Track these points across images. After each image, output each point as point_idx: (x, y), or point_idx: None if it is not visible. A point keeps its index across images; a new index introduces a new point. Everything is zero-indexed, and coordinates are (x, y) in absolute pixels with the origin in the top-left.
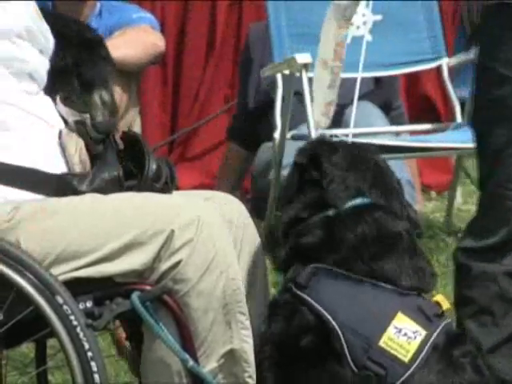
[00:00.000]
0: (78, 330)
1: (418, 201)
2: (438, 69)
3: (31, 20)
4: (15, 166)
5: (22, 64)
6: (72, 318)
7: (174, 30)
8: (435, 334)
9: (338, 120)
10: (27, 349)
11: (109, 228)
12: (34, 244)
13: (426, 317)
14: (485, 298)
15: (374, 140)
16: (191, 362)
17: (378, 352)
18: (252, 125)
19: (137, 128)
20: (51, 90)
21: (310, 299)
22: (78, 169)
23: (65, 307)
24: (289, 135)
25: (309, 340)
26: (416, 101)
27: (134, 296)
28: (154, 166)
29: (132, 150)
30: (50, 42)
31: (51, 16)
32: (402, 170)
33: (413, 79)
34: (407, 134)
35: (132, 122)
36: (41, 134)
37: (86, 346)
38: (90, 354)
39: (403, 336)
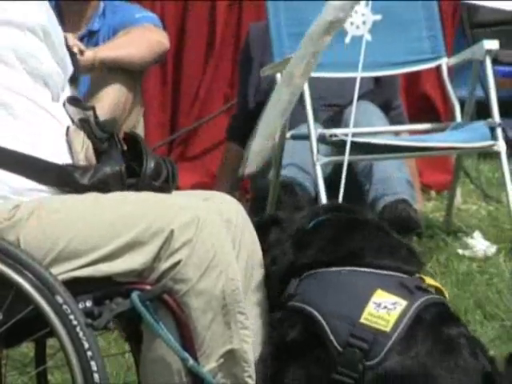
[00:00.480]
0: (78, 329)
1: (417, 200)
2: (438, 68)
3: (50, 24)
4: (19, 152)
5: (36, 62)
6: (72, 317)
7: (173, 30)
8: (417, 303)
9: (338, 120)
10: (27, 348)
11: (108, 227)
12: (33, 243)
13: (408, 289)
14: None
15: (374, 140)
16: (191, 362)
17: (360, 328)
18: (251, 124)
19: (140, 128)
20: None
21: (297, 303)
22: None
23: (64, 307)
24: (288, 135)
25: (295, 333)
26: (416, 100)
27: (134, 295)
28: (151, 164)
29: (134, 150)
30: (68, 67)
31: None
32: (402, 169)
33: (412, 79)
34: (407, 134)
35: (135, 124)
36: (48, 128)
37: (86, 346)
38: (89, 353)
39: (383, 309)
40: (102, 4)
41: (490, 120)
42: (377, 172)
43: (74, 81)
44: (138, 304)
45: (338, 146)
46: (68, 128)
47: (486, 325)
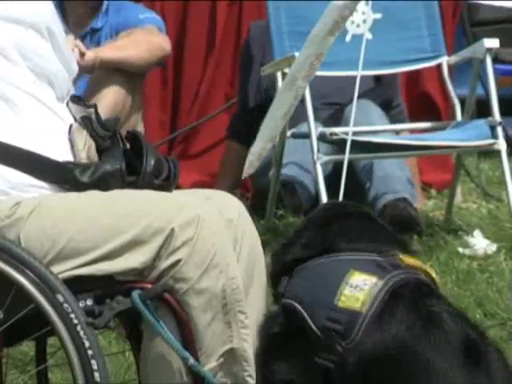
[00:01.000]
0: (79, 328)
1: (418, 199)
2: (438, 67)
3: (54, 24)
4: (19, 148)
5: (40, 60)
6: (72, 316)
7: (173, 29)
8: (389, 279)
9: (338, 118)
10: (27, 347)
11: (109, 226)
12: (34, 241)
13: (382, 268)
14: None
15: (374, 138)
16: (192, 360)
17: (336, 311)
18: (252, 123)
19: (139, 130)
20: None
21: (286, 300)
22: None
23: (65, 305)
24: (289, 133)
25: (278, 327)
26: (416, 99)
27: (135, 294)
28: (152, 162)
29: (136, 148)
30: (72, 67)
31: None
32: (402, 168)
33: (413, 77)
34: (407, 133)
35: (135, 126)
36: (50, 125)
37: (87, 344)
38: (90, 352)
39: (356, 289)
40: (105, 3)
41: (490, 118)
42: (377, 170)
43: (73, 81)
44: (138, 303)
45: (339, 145)
46: (71, 126)
47: (487, 323)
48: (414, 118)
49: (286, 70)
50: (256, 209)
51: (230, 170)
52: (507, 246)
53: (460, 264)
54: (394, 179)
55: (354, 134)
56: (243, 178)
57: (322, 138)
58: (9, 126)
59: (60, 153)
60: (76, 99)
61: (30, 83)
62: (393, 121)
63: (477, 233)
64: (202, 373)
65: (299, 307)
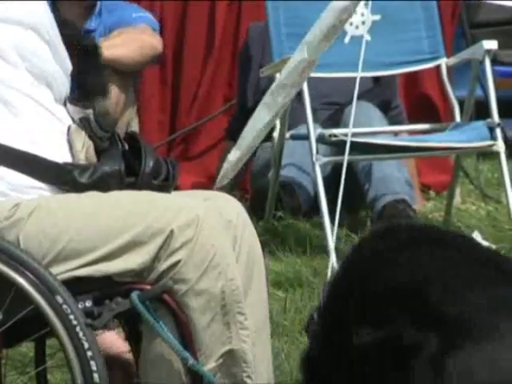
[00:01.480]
0: (78, 329)
1: (416, 200)
2: (437, 68)
3: (50, 25)
4: (18, 150)
5: (38, 61)
6: (71, 317)
7: (172, 30)
8: None
9: (337, 120)
10: (26, 348)
11: (108, 227)
12: (33, 243)
13: None
14: None
15: (373, 140)
16: (191, 361)
17: None
18: None
19: (134, 128)
20: None
21: None
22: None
23: (64, 306)
24: (287, 135)
25: None
26: (415, 100)
27: (134, 295)
28: (150, 163)
29: (135, 149)
30: (68, 68)
31: None
32: (401, 169)
33: (412, 79)
34: (406, 134)
35: (130, 121)
36: (49, 126)
37: (86, 346)
38: (89, 353)
39: None
40: (98, 3)
41: (489, 120)
42: (376, 172)
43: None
44: (137, 304)
45: (338, 146)
46: (69, 127)
47: None
48: (413, 120)
49: None
50: (255, 210)
51: None
52: (506, 247)
53: None
54: (392, 180)
55: (353, 135)
56: (215, 189)
57: (320, 139)
58: (7, 127)
59: (59, 154)
60: (74, 100)
61: (28, 85)
62: (391, 122)
63: (476, 234)
64: (201, 373)
65: None
